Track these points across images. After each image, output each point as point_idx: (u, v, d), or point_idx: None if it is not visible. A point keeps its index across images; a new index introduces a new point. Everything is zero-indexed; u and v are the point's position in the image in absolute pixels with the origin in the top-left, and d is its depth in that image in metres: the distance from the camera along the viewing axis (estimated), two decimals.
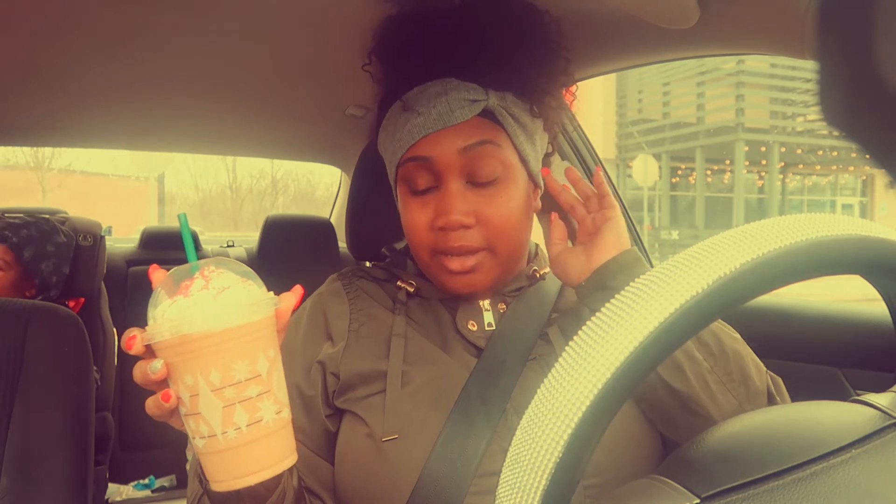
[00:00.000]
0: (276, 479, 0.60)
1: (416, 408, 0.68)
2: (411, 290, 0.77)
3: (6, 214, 1.79)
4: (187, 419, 0.49)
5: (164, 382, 0.48)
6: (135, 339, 0.47)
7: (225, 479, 0.49)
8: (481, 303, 0.76)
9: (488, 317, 0.75)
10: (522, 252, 0.77)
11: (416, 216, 0.72)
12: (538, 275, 0.79)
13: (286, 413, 0.51)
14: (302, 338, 0.75)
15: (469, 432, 0.66)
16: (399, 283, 0.78)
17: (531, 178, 0.76)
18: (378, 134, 0.79)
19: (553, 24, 0.76)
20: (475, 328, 0.74)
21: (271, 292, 0.52)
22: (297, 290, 0.55)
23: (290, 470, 0.64)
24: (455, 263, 0.71)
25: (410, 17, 0.75)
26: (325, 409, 0.73)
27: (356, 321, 0.75)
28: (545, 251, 0.83)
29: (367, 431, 0.68)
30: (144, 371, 0.48)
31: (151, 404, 0.49)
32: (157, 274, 0.51)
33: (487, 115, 0.71)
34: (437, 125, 0.69)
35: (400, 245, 0.86)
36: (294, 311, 0.55)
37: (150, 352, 0.48)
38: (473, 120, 0.70)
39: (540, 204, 0.79)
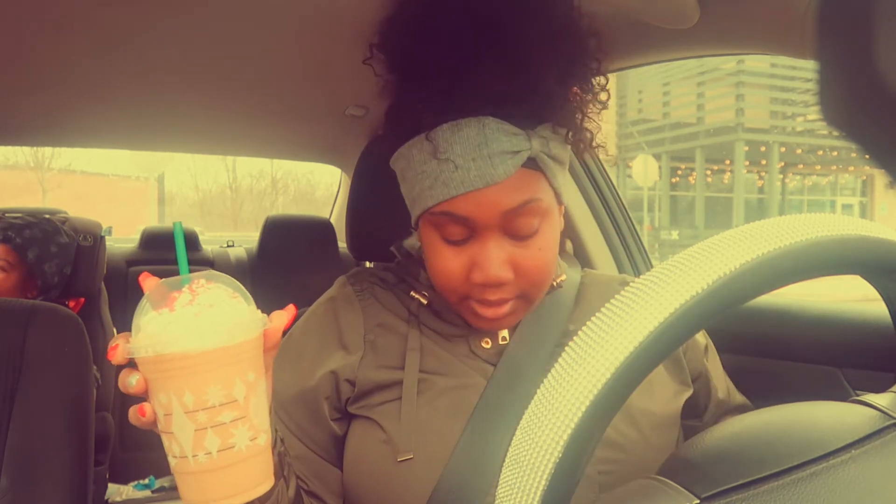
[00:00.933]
0: (269, 491, 0.59)
1: (433, 417, 0.67)
2: (425, 302, 0.74)
3: (6, 214, 1.79)
4: (162, 436, 0.48)
5: (143, 396, 0.48)
6: (116, 350, 0.47)
7: (194, 501, 0.48)
8: None
9: (503, 332, 0.73)
10: (549, 283, 0.72)
11: (448, 264, 0.67)
12: (555, 283, 0.76)
13: (262, 439, 0.49)
14: (312, 343, 0.74)
15: (487, 441, 0.65)
16: (413, 293, 0.75)
17: (559, 201, 0.71)
18: (383, 142, 0.73)
19: (592, 34, 0.69)
20: (489, 345, 0.72)
21: (260, 313, 0.50)
22: (290, 309, 0.53)
23: (287, 481, 0.63)
24: (489, 312, 0.67)
25: (425, 21, 0.66)
26: (332, 414, 0.72)
27: (371, 332, 0.73)
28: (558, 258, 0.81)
29: (383, 438, 0.67)
30: (124, 382, 0.47)
31: (131, 414, 0.48)
32: (148, 282, 0.49)
33: (529, 163, 0.64)
34: (478, 184, 0.62)
35: (408, 243, 0.83)
36: (286, 330, 0.53)
37: (132, 362, 0.48)
38: (516, 173, 0.63)
39: (563, 222, 0.75)
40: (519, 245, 0.66)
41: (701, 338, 0.79)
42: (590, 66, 0.69)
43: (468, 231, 0.66)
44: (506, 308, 0.67)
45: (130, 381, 0.47)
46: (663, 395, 0.72)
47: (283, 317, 0.52)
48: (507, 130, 0.63)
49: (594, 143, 0.72)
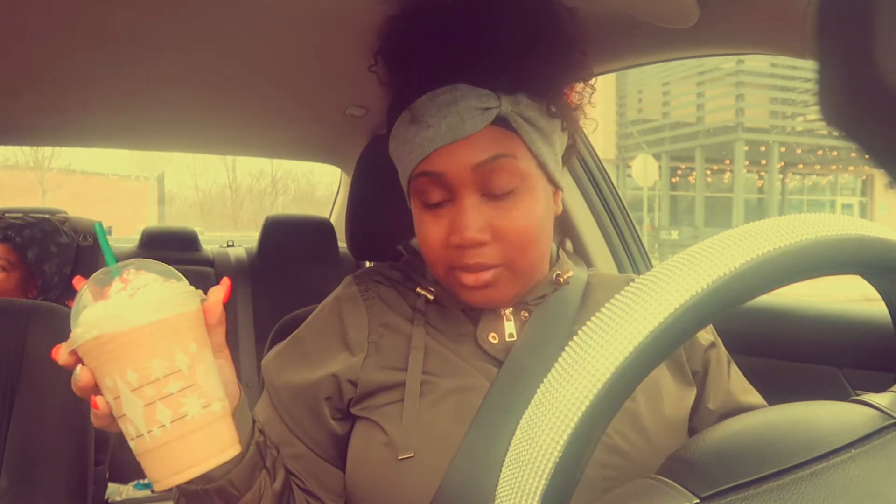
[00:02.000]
0: (249, 481, 0.61)
1: (437, 419, 0.67)
2: (431, 297, 0.74)
3: (6, 214, 1.79)
4: (119, 423, 0.49)
5: (93, 389, 0.49)
6: (60, 348, 0.47)
7: (160, 477, 0.48)
8: (504, 312, 0.74)
9: (510, 327, 0.73)
10: (543, 262, 0.73)
11: (429, 231, 0.69)
12: (562, 279, 0.76)
13: (217, 406, 0.50)
14: (317, 343, 0.74)
15: (491, 441, 0.65)
16: (418, 289, 0.75)
17: (551, 181, 0.72)
18: (388, 140, 0.76)
19: (566, 15, 0.72)
20: (496, 340, 0.72)
21: (195, 289, 0.52)
22: (225, 282, 0.55)
23: (272, 473, 0.64)
24: (470, 279, 0.68)
25: (414, 16, 0.72)
26: (333, 414, 0.72)
27: (375, 332, 0.73)
28: (565, 254, 0.81)
29: (384, 440, 0.67)
30: (74, 381, 0.48)
31: (92, 417, 0.49)
32: (80, 284, 0.50)
33: (501, 122, 0.67)
34: (448, 138, 0.66)
35: (415, 241, 0.82)
36: (225, 303, 0.55)
37: (79, 360, 0.49)
38: (487, 130, 0.66)
39: (561, 207, 0.76)
40: (496, 207, 0.67)
41: (703, 340, 0.77)
42: (571, 51, 0.72)
43: (446, 192, 0.68)
44: (488, 275, 0.68)
45: (76, 374, 0.48)
46: (670, 399, 0.71)
47: (219, 291, 0.54)
48: (479, 93, 0.66)
49: (583, 121, 0.74)
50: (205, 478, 0.59)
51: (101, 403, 0.48)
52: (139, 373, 0.47)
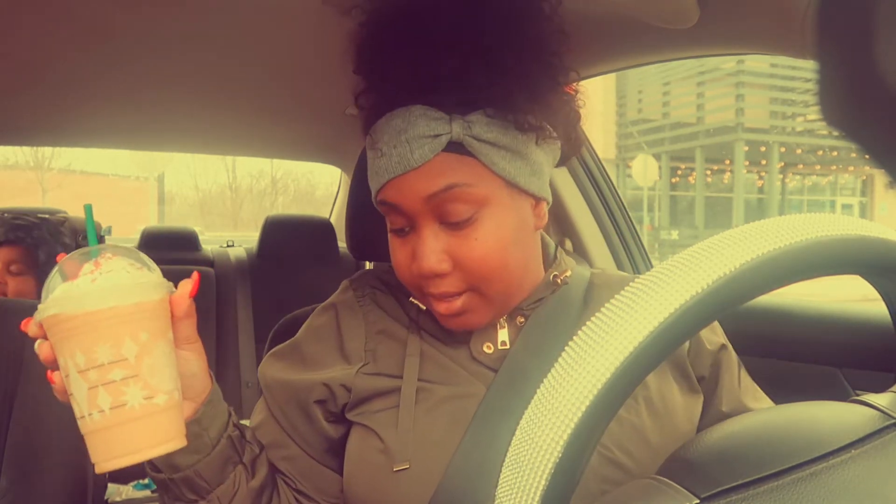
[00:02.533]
0: (220, 475, 0.62)
1: (433, 426, 0.66)
2: (423, 307, 0.73)
3: (5, 214, 1.79)
4: (70, 401, 0.50)
5: (53, 364, 0.51)
6: (30, 320, 0.51)
7: (99, 460, 0.50)
8: (497, 320, 0.71)
9: (503, 335, 0.71)
10: (518, 284, 0.69)
11: (397, 255, 0.69)
12: (559, 280, 0.73)
13: (161, 399, 0.51)
14: (314, 349, 0.74)
15: (488, 445, 0.65)
16: (412, 298, 0.74)
17: (527, 193, 0.68)
18: None
19: (534, 13, 0.67)
20: (491, 350, 0.71)
21: (164, 280, 0.54)
22: (194, 276, 0.56)
23: (250, 470, 0.65)
24: (442, 306, 0.66)
25: (374, 29, 0.69)
26: (326, 416, 0.72)
27: (372, 340, 0.73)
28: (564, 253, 0.79)
29: (380, 447, 0.67)
30: (36, 352, 0.52)
31: (54, 390, 0.52)
32: (62, 260, 0.53)
33: (455, 147, 0.63)
34: (398, 169, 0.63)
35: None
36: (192, 296, 0.56)
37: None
38: (439, 158, 0.63)
39: (546, 219, 0.72)
40: (455, 235, 0.65)
41: (710, 345, 0.75)
42: (537, 56, 0.66)
43: (406, 220, 0.66)
44: (458, 303, 0.66)
45: (37, 346, 0.51)
46: (680, 412, 0.70)
47: (187, 284, 0.55)
48: (431, 116, 0.63)
49: (553, 134, 0.68)
50: (171, 466, 0.61)
51: (56, 379, 0.51)
52: (86, 356, 0.48)
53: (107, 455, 0.49)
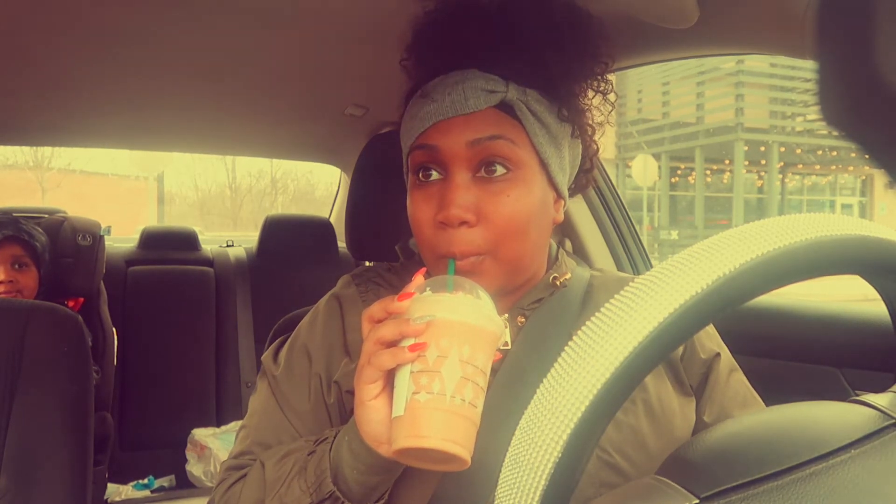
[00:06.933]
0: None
1: None
2: None
3: (11, 214, 1.80)
4: (419, 375, 0.55)
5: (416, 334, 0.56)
6: (409, 296, 0.57)
7: (430, 434, 0.53)
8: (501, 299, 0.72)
9: (505, 335, 0.71)
10: (531, 258, 0.70)
11: (419, 209, 0.68)
12: (559, 282, 0.74)
13: (478, 418, 0.56)
14: (318, 343, 0.74)
15: (489, 443, 0.64)
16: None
17: (552, 184, 0.70)
18: (395, 132, 0.76)
19: (588, 22, 0.71)
20: None
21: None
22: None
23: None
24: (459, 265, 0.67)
25: (439, 11, 0.72)
26: (336, 418, 0.72)
27: None
28: (565, 254, 0.79)
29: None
30: (403, 325, 0.56)
31: (389, 355, 0.55)
32: (419, 276, 0.60)
33: (506, 108, 0.66)
34: (449, 112, 0.66)
35: (413, 242, 0.82)
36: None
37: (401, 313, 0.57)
38: (489, 112, 0.66)
39: (562, 216, 0.73)
40: (486, 189, 0.66)
41: (703, 353, 0.74)
42: (589, 58, 0.72)
43: (439, 168, 0.68)
44: (470, 262, 0.66)
45: (418, 322, 0.56)
46: (677, 418, 0.70)
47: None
48: (488, 77, 0.67)
49: (594, 135, 0.74)
50: (386, 473, 0.61)
51: (426, 351, 0.55)
52: (472, 352, 0.55)
53: (444, 434, 0.53)
